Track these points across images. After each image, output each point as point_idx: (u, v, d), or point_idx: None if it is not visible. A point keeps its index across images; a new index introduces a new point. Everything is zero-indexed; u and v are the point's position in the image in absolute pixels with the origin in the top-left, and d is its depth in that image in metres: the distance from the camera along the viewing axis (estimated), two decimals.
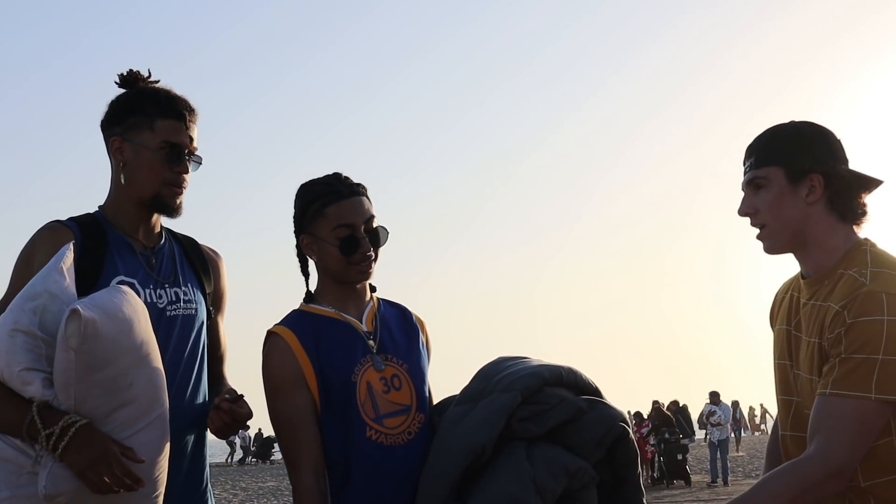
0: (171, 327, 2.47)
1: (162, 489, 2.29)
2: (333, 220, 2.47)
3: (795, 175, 2.27)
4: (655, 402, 21.53)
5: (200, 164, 2.54)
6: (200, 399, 2.55)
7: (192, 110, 2.53)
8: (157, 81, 2.57)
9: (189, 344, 2.51)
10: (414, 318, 2.67)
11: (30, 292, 2.21)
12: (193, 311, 2.54)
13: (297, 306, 2.57)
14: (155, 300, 2.46)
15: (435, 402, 2.64)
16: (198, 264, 2.63)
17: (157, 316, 2.40)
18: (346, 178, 2.54)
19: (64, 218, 2.48)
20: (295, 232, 2.56)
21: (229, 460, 39.10)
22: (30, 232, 2.46)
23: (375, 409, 2.45)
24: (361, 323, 2.54)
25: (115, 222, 2.50)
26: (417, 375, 2.55)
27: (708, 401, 20.99)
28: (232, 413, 2.38)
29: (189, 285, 2.57)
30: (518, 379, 2.41)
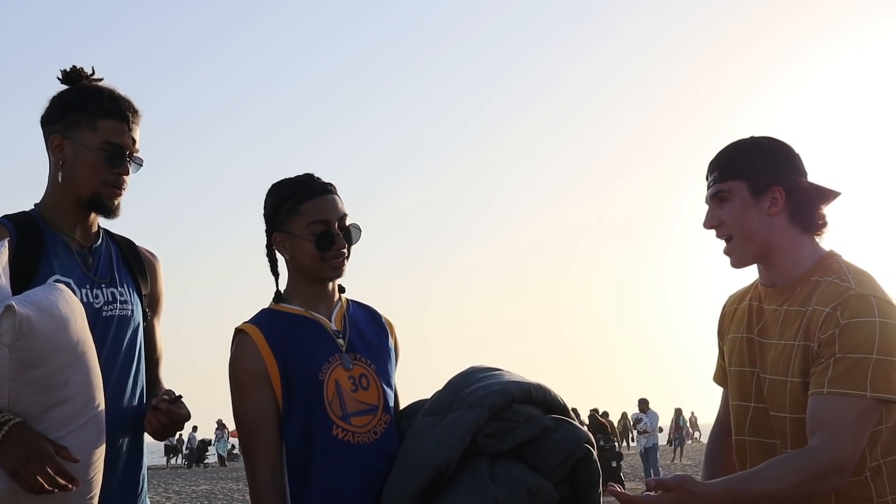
0: (106, 327, 2.44)
1: (97, 490, 2.25)
2: (309, 217, 2.49)
3: (758, 188, 2.34)
4: (592, 411, 21.84)
5: (141, 166, 2.52)
6: (136, 401, 2.52)
7: (135, 111, 2.50)
8: (101, 80, 2.54)
9: (125, 344, 2.49)
10: (383, 319, 2.69)
11: None
12: (129, 312, 2.51)
13: (265, 305, 2.57)
14: (91, 300, 2.42)
15: (403, 404, 2.67)
16: (134, 266, 2.60)
17: (93, 316, 2.36)
18: (318, 177, 2.56)
19: None
20: (266, 231, 2.57)
21: (170, 463, 38.47)
22: None
23: (343, 408, 2.46)
24: (331, 322, 2.55)
25: (52, 221, 2.47)
26: (385, 376, 2.58)
27: (637, 409, 21.30)
28: (170, 414, 2.36)
29: (125, 286, 2.54)
30: (487, 395, 2.43)
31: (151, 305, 2.64)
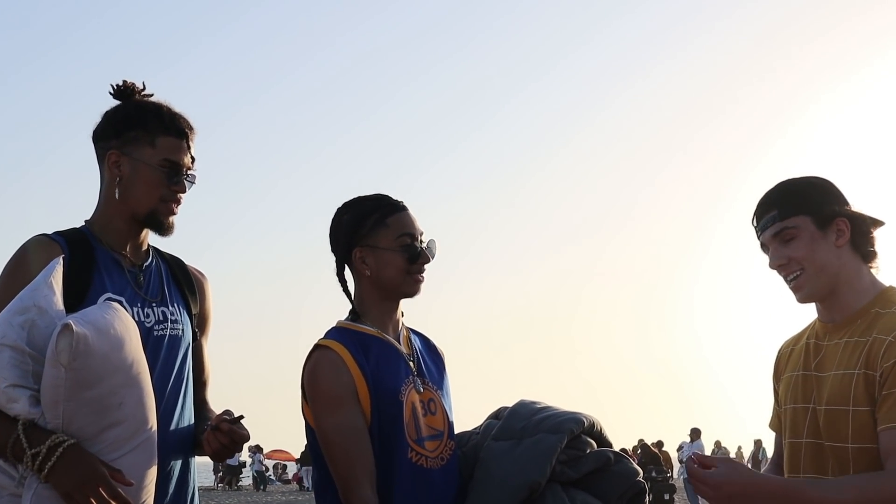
0: (158, 347, 2.41)
1: None
2: (397, 230, 2.48)
3: (823, 221, 2.35)
4: (641, 440, 21.79)
5: (194, 183, 2.50)
6: (186, 422, 2.49)
7: (192, 129, 2.49)
8: (152, 95, 2.53)
9: (176, 365, 2.46)
10: (438, 348, 2.69)
11: (18, 306, 2.15)
12: (180, 332, 2.49)
13: (281, 327, 2.56)
14: (142, 319, 2.40)
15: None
16: (184, 284, 2.58)
17: (144, 335, 2.34)
18: None
19: (50, 232, 2.42)
20: (341, 248, 2.53)
21: (221, 485, 38.33)
22: (9, 247, 2.40)
23: (418, 431, 2.44)
24: (400, 344, 2.52)
25: (103, 238, 2.45)
26: (448, 402, 2.58)
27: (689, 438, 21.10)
28: (231, 434, 2.33)
29: (176, 305, 2.52)
30: (564, 422, 2.49)
31: (200, 325, 2.62)
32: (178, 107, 2.50)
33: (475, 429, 2.69)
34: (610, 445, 2.60)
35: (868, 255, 2.39)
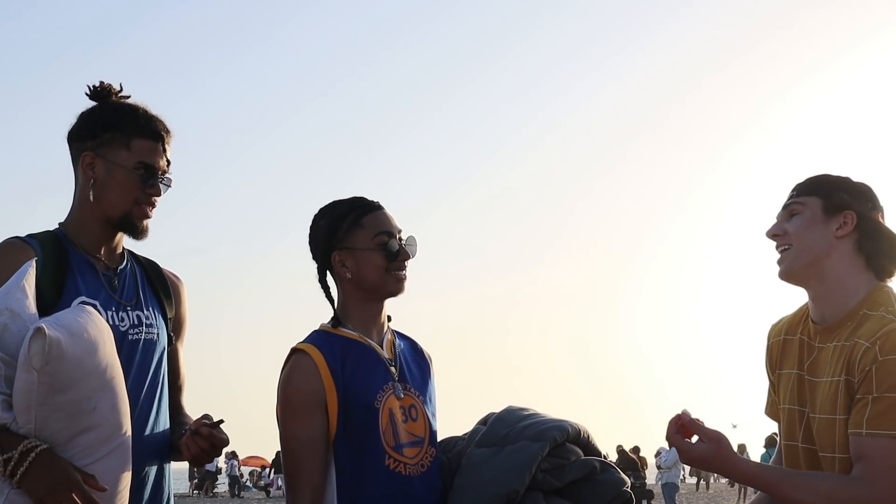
0: (132, 351, 2.40)
1: None
2: (373, 229, 2.47)
3: (831, 208, 2.35)
4: (619, 447, 21.88)
5: (170, 186, 2.49)
6: (161, 427, 2.48)
7: (168, 132, 2.48)
8: (129, 96, 2.51)
9: (151, 369, 2.45)
10: (425, 353, 2.67)
11: None
12: (155, 336, 2.47)
13: (270, 330, 2.55)
14: (117, 323, 2.39)
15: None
16: (159, 288, 2.57)
17: (119, 339, 2.32)
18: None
19: (22, 234, 2.40)
20: (320, 253, 2.53)
21: (196, 492, 38.10)
22: None
23: (396, 438, 2.44)
24: (382, 349, 2.51)
25: (77, 241, 2.43)
26: (430, 408, 2.56)
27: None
28: (211, 438, 2.31)
29: (151, 309, 2.50)
30: (547, 430, 2.47)
31: (176, 329, 2.60)
32: (155, 109, 2.48)
33: (463, 435, 2.68)
34: (599, 454, 2.58)
35: (875, 261, 2.35)
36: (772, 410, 2.60)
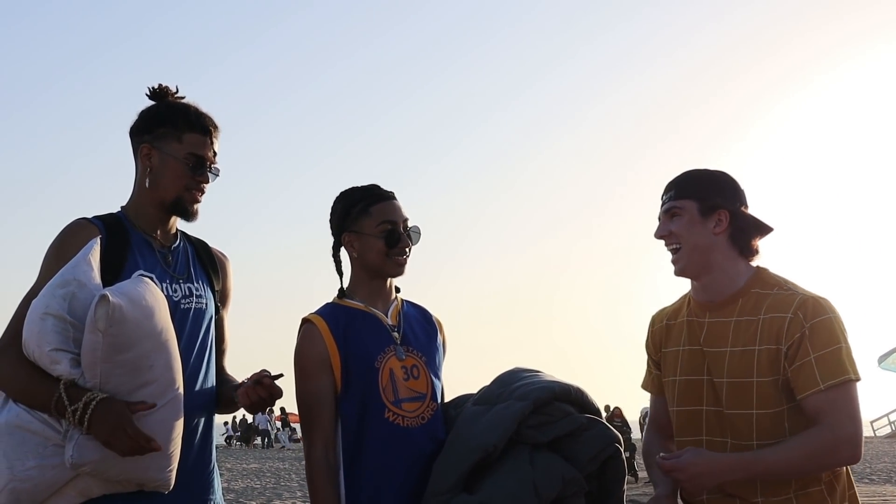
0: (184, 319, 2.65)
1: (175, 464, 2.47)
2: (378, 218, 2.77)
3: (706, 209, 2.62)
4: (606, 406, 22.15)
5: (218, 175, 2.74)
6: (209, 385, 2.74)
7: (216, 127, 2.74)
8: (184, 97, 2.77)
9: (200, 334, 2.70)
10: (433, 318, 2.95)
11: (60, 280, 2.39)
12: (204, 306, 2.73)
13: (307, 301, 2.84)
14: (171, 294, 2.64)
15: (448, 397, 2.91)
16: (208, 264, 2.83)
17: (172, 308, 2.57)
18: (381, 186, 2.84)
19: (89, 216, 2.66)
20: (334, 232, 2.84)
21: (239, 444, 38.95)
22: (53, 228, 2.63)
23: (395, 394, 2.71)
24: (387, 317, 2.80)
25: (136, 222, 2.69)
26: (433, 368, 2.82)
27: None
28: (271, 389, 2.59)
29: (200, 282, 2.76)
30: (533, 390, 2.68)
31: (222, 300, 2.86)
32: (205, 107, 2.74)
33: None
34: (594, 411, 2.75)
35: (744, 249, 2.64)
36: (652, 385, 2.87)
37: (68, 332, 2.35)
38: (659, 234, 2.68)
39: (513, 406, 2.65)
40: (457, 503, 2.55)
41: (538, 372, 2.85)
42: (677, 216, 2.64)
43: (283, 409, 37.38)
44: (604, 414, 2.98)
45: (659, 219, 2.70)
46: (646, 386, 2.92)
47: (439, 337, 2.93)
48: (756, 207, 2.71)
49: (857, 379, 2.48)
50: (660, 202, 2.71)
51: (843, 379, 2.46)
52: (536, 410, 2.64)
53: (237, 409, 2.75)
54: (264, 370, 2.65)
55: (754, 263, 2.68)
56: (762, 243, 2.69)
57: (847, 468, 2.61)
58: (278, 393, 2.60)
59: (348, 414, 2.71)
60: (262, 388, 2.59)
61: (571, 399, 2.72)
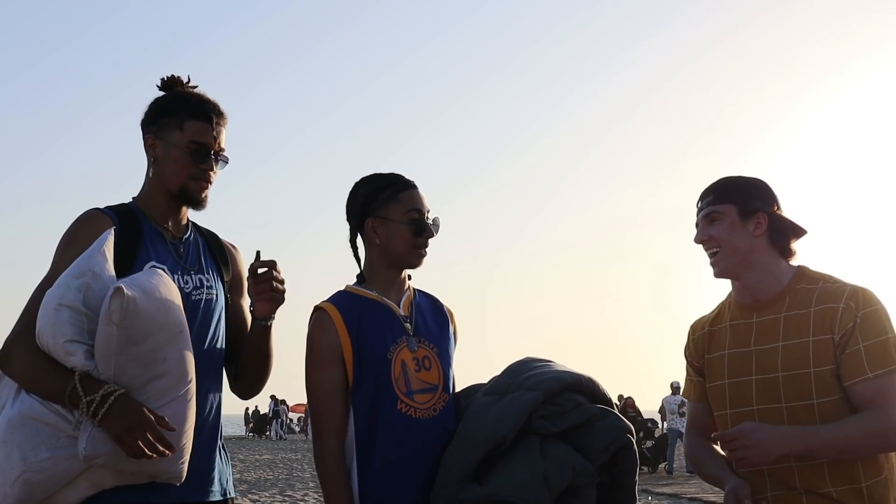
0: (195, 310, 2.65)
1: (187, 456, 2.47)
2: (407, 205, 2.74)
3: (746, 212, 2.68)
4: (619, 395, 22.18)
5: (227, 163, 2.73)
6: (219, 376, 2.74)
7: (220, 114, 2.72)
8: (196, 87, 2.76)
9: (212, 325, 2.71)
10: (445, 308, 2.93)
11: (75, 271, 2.39)
12: (214, 297, 2.73)
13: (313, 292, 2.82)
14: (182, 285, 2.64)
15: (458, 387, 2.88)
16: (218, 255, 2.83)
17: (183, 299, 2.57)
18: None
19: (102, 206, 2.66)
20: (357, 217, 2.79)
21: (252, 435, 39.28)
22: (66, 218, 2.63)
23: (407, 385, 2.70)
24: (399, 308, 2.78)
25: (148, 213, 2.69)
26: (445, 359, 2.81)
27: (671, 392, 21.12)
28: (268, 275, 2.66)
29: (211, 273, 2.76)
30: (544, 380, 2.66)
31: (234, 289, 2.85)
32: (214, 96, 2.72)
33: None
34: (608, 402, 2.73)
35: (783, 250, 2.72)
36: (693, 391, 2.90)
37: (83, 324, 2.35)
38: (699, 239, 2.73)
39: (523, 396, 2.63)
40: (466, 494, 2.54)
41: (550, 362, 2.83)
42: (717, 220, 2.69)
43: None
44: (617, 404, 2.96)
45: (697, 225, 2.75)
46: (686, 393, 2.95)
47: (451, 327, 2.90)
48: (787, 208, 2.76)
49: None
50: (696, 209, 2.76)
51: (891, 368, 2.53)
52: (547, 401, 2.63)
53: (264, 337, 2.75)
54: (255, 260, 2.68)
55: (794, 263, 2.73)
56: (797, 245, 2.74)
57: None
58: (278, 276, 2.65)
59: (360, 405, 2.69)
60: (263, 282, 2.64)
61: (583, 389, 2.70)
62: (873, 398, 2.52)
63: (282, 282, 2.67)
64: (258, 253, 2.68)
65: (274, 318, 2.74)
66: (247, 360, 2.80)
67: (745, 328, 2.72)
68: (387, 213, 2.75)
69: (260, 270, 2.66)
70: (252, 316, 2.73)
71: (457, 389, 2.89)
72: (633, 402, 21.81)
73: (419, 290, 2.91)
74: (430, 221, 2.78)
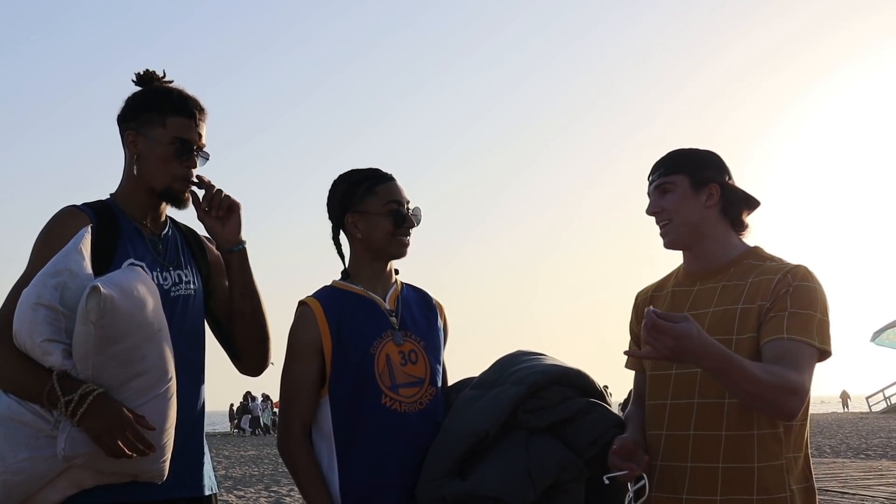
0: (174, 306, 2.63)
1: (169, 455, 2.46)
2: (384, 197, 2.75)
3: (697, 183, 2.65)
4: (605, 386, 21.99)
5: (207, 159, 2.71)
6: (200, 373, 2.72)
7: (202, 109, 2.70)
8: (172, 81, 2.73)
9: (190, 322, 2.69)
10: (433, 301, 2.92)
11: (51, 270, 2.37)
12: (193, 292, 2.71)
13: (303, 285, 2.81)
14: (161, 282, 2.62)
15: (451, 380, 2.89)
16: (196, 250, 2.81)
17: (162, 296, 2.55)
18: None
19: (78, 203, 2.63)
20: (337, 214, 2.80)
21: (236, 431, 39.32)
22: (40, 216, 2.63)
23: (392, 379, 2.70)
24: (385, 302, 2.78)
25: (126, 209, 2.67)
26: (433, 352, 2.80)
27: None
28: (214, 195, 2.69)
29: (190, 268, 2.74)
30: (529, 374, 2.66)
31: (215, 270, 2.82)
32: (191, 91, 2.70)
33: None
34: (599, 395, 2.72)
35: (736, 222, 2.69)
36: (634, 363, 2.84)
37: (60, 323, 2.33)
38: (651, 210, 2.69)
39: (507, 391, 2.62)
40: (448, 489, 2.54)
41: (540, 356, 2.82)
42: (669, 192, 2.66)
43: None
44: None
45: (649, 195, 2.72)
46: (627, 364, 2.88)
47: (440, 321, 2.90)
48: (776, 197, 2.73)
49: (822, 350, 2.48)
50: (647, 181, 2.73)
51: (806, 339, 2.46)
52: (533, 395, 2.62)
53: (242, 267, 2.75)
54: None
55: (746, 238, 2.71)
56: (752, 220, 2.72)
57: (808, 457, 2.59)
58: (224, 196, 2.68)
59: (340, 400, 2.69)
60: (212, 202, 2.68)
61: (571, 383, 2.70)
62: (782, 357, 2.42)
63: (228, 197, 2.69)
64: (199, 177, 2.68)
65: (245, 242, 2.74)
66: (239, 314, 2.76)
67: (684, 295, 2.70)
68: (366, 207, 2.75)
69: (200, 192, 2.67)
70: (220, 250, 2.75)
71: (451, 382, 2.89)
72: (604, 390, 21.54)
73: (407, 284, 2.90)
74: (409, 212, 2.77)
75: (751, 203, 2.71)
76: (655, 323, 2.27)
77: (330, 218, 2.84)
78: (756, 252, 2.69)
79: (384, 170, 2.82)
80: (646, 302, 2.80)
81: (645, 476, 2.49)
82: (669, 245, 2.69)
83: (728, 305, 2.58)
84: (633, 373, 2.86)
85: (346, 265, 2.83)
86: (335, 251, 2.85)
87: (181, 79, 2.72)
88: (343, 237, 2.84)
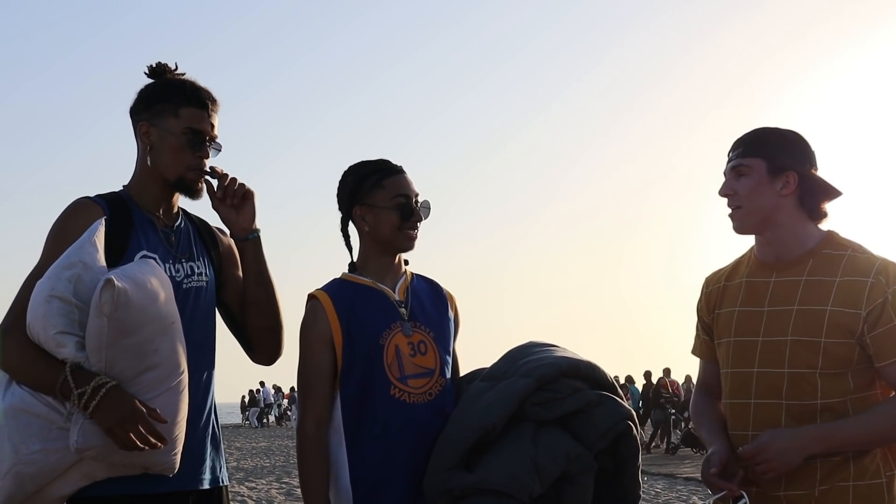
0: (187, 299, 2.63)
1: (180, 447, 2.47)
2: (392, 191, 2.73)
3: (775, 169, 2.54)
4: (647, 371, 21.54)
5: (220, 150, 2.71)
6: (211, 365, 2.72)
7: (214, 100, 2.70)
8: (184, 74, 2.73)
9: (202, 314, 2.69)
10: (444, 291, 2.91)
11: (65, 262, 2.37)
12: (205, 284, 2.71)
13: (318, 277, 2.82)
14: (173, 274, 2.62)
15: (463, 371, 2.89)
16: (208, 241, 2.81)
17: (175, 288, 2.55)
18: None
19: (92, 195, 2.63)
20: (345, 206, 2.80)
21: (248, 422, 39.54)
22: (56, 208, 2.61)
23: (401, 370, 2.69)
24: (395, 293, 2.77)
25: (139, 201, 2.67)
26: (443, 343, 2.79)
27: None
28: (227, 183, 2.69)
29: (202, 259, 2.74)
30: (538, 367, 2.63)
31: (228, 261, 2.82)
32: (203, 82, 2.69)
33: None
34: (610, 387, 2.69)
35: (812, 212, 2.58)
36: (701, 350, 2.81)
37: (73, 315, 2.34)
38: (724, 192, 2.60)
39: (515, 384, 2.61)
40: (455, 481, 2.53)
41: (552, 347, 2.79)
42: (744, 175, 2.56)
43: (293, 388, 37.88)
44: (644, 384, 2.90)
45: (725, 174, 2.62)
46: (695, 351, 2.84)
47: (450, 311, 2.89)
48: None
49: None
50: (726, 158, 2.63)
51: None
52: (542, 387, 2.60)
53: (257, 256, 2.76)
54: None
55: (824, 227, 2.61)
56: (831, 208, 2.61)
57: None
58: (237, 184, 2.69)
59: (351, 391, 2.69)
60: (226, 189, 2.68)
61: (581, 375, 2.67)
62: None
63: (231, 181, 2.69)
64: (212, 168, 2.68)
65: (259, 230, 2.74)
66: (253, 302, 2.76)
67: (761, 287, 2.60)
68: (373, 200, 2.75)
69: (214, 182, 2.68)
70: (235, 239, 2.75)
71: (463, 373, 2.88)
72: (667, 382, 20.77)
73: (417, 275, 2.89)
74: (417, 205, 2.76)
75: (831, 193, 2.59)
76: (754, 458, 2.41)
77: (340, 209, 2.84)
78: (832, 239, 2.58)
79: (395, 161, 2.82)
80: (717, 292, 2.72)
81: (745, 494, 2.48)
82: (738, 230, 2.61)
83: (814, 305, 2.50)
84: (636, 369, 2.85)
85: (355, 257, 2.83)
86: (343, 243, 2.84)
87: (193, 71, 2.73)
88: (352, 229, 2.84)
